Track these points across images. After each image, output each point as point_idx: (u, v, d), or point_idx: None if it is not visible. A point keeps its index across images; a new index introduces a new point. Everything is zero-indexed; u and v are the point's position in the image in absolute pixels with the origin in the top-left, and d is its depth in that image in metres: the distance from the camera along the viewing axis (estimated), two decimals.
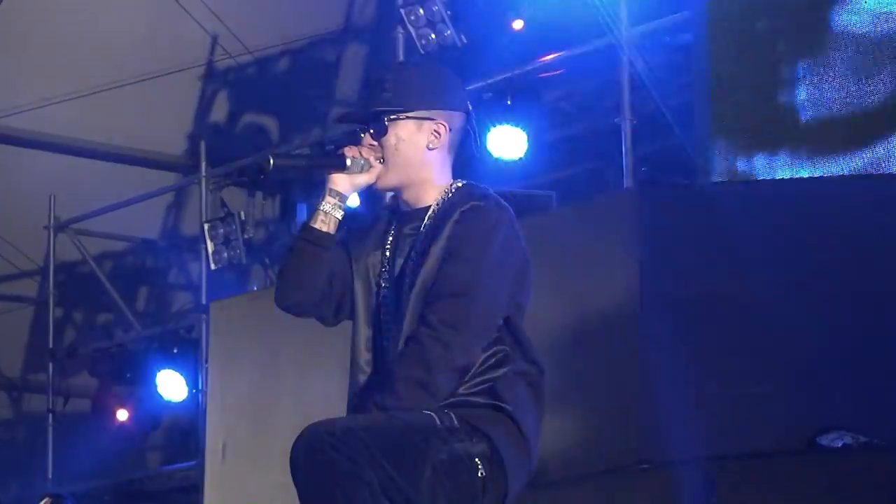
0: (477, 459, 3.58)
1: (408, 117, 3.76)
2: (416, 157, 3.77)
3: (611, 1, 7.81)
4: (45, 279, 11.26)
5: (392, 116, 3.75)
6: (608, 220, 7.03)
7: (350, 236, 3.84)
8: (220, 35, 10.77)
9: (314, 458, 3.45)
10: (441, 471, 3.52)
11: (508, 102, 8.56)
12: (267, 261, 10.35)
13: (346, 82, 10.79)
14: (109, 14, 10.40)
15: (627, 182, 7.73)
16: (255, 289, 10.03)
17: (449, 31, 8.71)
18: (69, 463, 10.60)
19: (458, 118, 3.81)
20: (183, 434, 10.40)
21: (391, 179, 3.78)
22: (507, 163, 8.61)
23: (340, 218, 3.75)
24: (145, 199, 10.84)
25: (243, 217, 9.78)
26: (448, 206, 3.73)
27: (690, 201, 7.05)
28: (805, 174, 7.05)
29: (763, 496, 6.06)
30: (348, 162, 3.74)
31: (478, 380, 3.64)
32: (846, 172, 6.94)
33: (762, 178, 7.13)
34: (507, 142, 8.55)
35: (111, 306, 11.30)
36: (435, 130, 3.77)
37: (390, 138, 3.76)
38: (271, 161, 3.72)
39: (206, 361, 9.34)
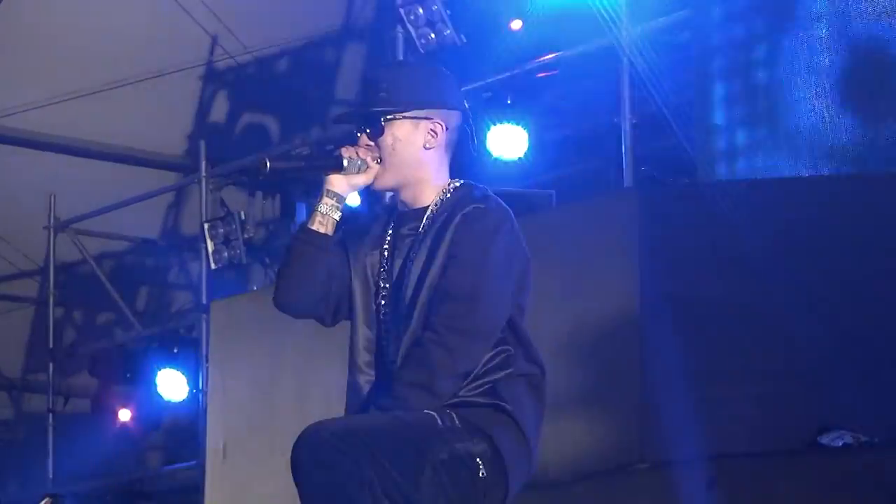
0: (478, 459, 3.58)
1: (404, 117, 3.75)
2: (413, 156, 3.76)
3: (611, 0, 7.81)
4: (45, 279, 11.27)
5: (388, 116, 3.74)
6: (608, 220, 7.02)
7: (348, 236, 3.83)
8: (220, 35, 10.77)
9: (315, 458, 3.45)
10: (442, 471, 3.53)
11: (508, 102, 8.57)
12: (267, 260, 10.35)
13: (346, 82, 10.79)
14: (109, 14, 10.40)
15: (627, 181, 7.74)
16: (256, 288, 10.03)
17: (448, 31, 8.71)
18: (69, 463, 10.60)
19: (454, 117, 3.80)
20: (183, 434, 10.39)
21: (388, 180, 3.77)
22: (506, 162, 8.61)
23: (338, 219, 3.75)
24: (145, 199, 10.85)
25: (243, 217, 9.78)
26: (447, 207, 3.73)
27: (690, 200, 7.04)
28: (806, 173, 7.05)
29: (764, 496, 6.05)
30: (345, 163, 3.73)
31: (479, 381, 3.64)
32: (846, 171, 6.94)
33: (762, 177, 7.12)
34: (508, 141, 8.55)
35: (111, 306, 11.30)
36: (431, 129, 3.76)
37: (387, 138, 3.75)
38: (268, 164, 3.72)
39: (207, 361, 9.34)
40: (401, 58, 8.78)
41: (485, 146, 8.45)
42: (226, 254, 9.76)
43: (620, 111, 7.82)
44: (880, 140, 6.97)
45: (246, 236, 9.73)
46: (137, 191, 10.76)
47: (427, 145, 3.76)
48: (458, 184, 3.79)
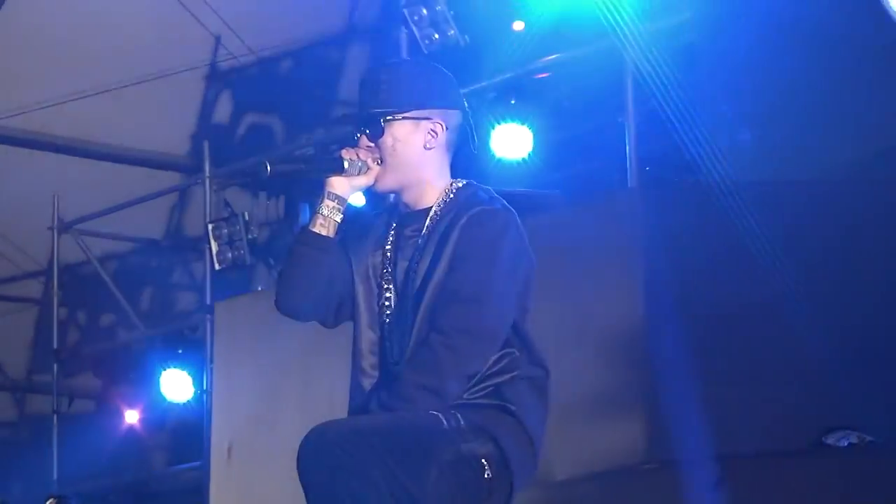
0: (483, 460, 3.59)
1: (404, 117, 3.75)
2: (413, 157, 3.76)
3: (615, 1, 7.81)
4: (49, 280, 11.27)
5: (388, 117, 3.74)
6: (612, 220, 7.03)
7: (349, 236, 3.83)
8: (224, 35, 10.77)
9: (321, 458, 3.45)
10: (447, 471, 3.53)
11: (512, 102, 8.56)
12: (271, 261, 10.34)
13: (350, 82, 10.77)
14: (113, 15, 10.39)
15: (631, 181, 7.73)
16: (260, 289, 10.02)
17: (452, 31, 8.70)
18: (74, 464, 10.60)
19: (454, 116, 3.80)
20: (188, 435, 10.39)
21: (390, 181, 3.77)
22: (510, 162, 8.60)
23: (339, 221, 3.74)
24: (149, 200, 10.84)
25: (247, 217, 9.77)
26: (451, 208, 3.72)
27: (694, 201, 7.04)
28: (811, 174, 7.05)
29: (769, 496, 6.06)
30: (346, 164, 3.73)
31: (484, 384, 3.64)
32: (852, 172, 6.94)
33: (767, 177, 7.12)
34: (512, 141, 8.54)
35: (115, 307, 11.29)
36: (432, 130, 3.76)
37: (387, 139, 3.75)
38: (268, 167, 3.71)
39: (211, 362, 9.35)
40: (408, 58, 8.79)
41: (488, 146, 8.45)
42: (230, 254, 9.75)
43: (624, 111, 7.82)
44: None
45: (250, 237, 9.72)
46: (141, 191, 10.75)
47: (427, 145, 3.76)
48: (460, 184, 3.79)
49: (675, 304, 6.60)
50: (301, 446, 3.49)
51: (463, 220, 3.67)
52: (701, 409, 6.24)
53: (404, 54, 8.89)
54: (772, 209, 6.74)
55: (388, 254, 3.78)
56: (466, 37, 8.72)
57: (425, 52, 8.66)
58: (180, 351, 10.32)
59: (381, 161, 3.75)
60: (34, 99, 10.61)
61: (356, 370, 3.77)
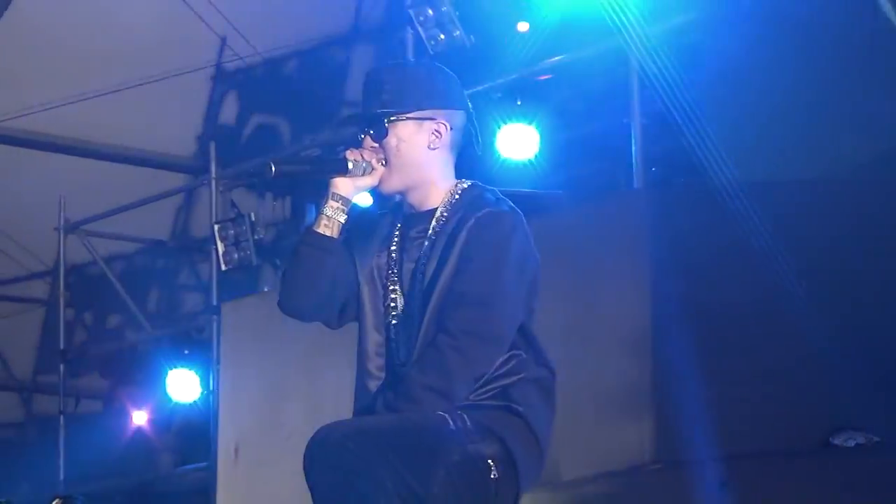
0: (490, 461, 3.58)
1: (407, 118, 3.73)
2: (417, 157, 3.75)
3: (620, 2, 7.80)
4: (55, 281, 11.28)
5: (391, 118, 3.73)
6: (618, 221, 7.03)
7: (353, 238, 3.82)
8: (229, 36, 10.77)
9: (328, 459, 3.45)
10: (454, 472, 3.53)
11: (518, 103, 8.56)
12: (277, 262, 10.35)
13: (356, 83, 10.76)
14: (119, 16, 10.41)
15: (637, 182, 7.73)
16: (266, 290, 10.03)
17: (458, 32, 8.70)
18: (80, 464, 10.61)
19: (458, 117, 3.79)
20: (195, 435, 10.40)
21: (395, 182, 3.76)
22: (516, 163, 8.60)
23: (343, 221, 3.73)
24: (155, 201, 10.86)
25: (254, 218, 9.78)
26: (457, 209, 3.71)
27: (700, 201, 7.04)
28: (817, 174, 7.05)
29: (776, 496, 6.05)
30: (350, 165, 3.72)
31: (491, 386, 3.64)
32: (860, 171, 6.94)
33: (773, 178, 7.12)
34: (519, 141, 8.54)
35: (121, 307, 11.31)
36: (436, 130, 3.75)
37: (391, 140, 3.74)
38: (272, 167, 3.70)
39: (218, 362, 9.35)
40: (410, 59, 8.79)
41: (494, 147, 8.44)
42: (236, 255, 9.76)
43: (630, 111, 7.82)
44: None
45: (256, 238, 9.72)
46: (147, 192, 10.77)
47: (431, 146, 3.75)
48: (465, 185, 3.78)
49: (681, 305, 6.60)
50: (308, 447, 3.49)
51: (470, 223, 3.66)
52: (708, 410, 6.24)
53: (410, 55, 8.90)
54: (777, 209, 6.74)
55: (394, 255, 3.77)
56: (472, 37, 8.72)
57: (431, 52, 8.67)
58: (187, 352, 10.33)
59: (386, 162, 3.74)
60: (40, 100, 10.62)
61: (361, 372, 3.76)
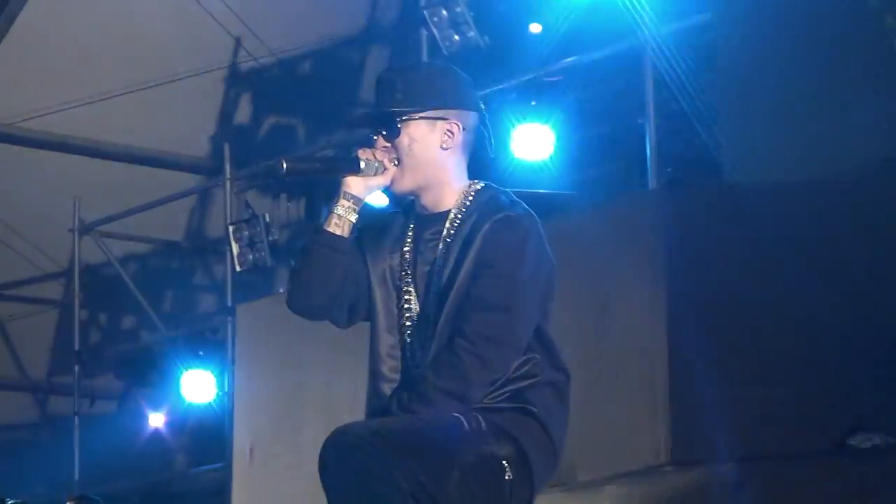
0: (504, 462, 3.58)
1: (420, 117, 3.72)
2: (430, 157, 3.73)
3: (635, 2, 7.80)
4: (70, 281, 11.30)
5: (404, 117, 3.72)
6: (633, 221, 7.02)
7: (365, 238, 3.80)
8: (243, 37, 10.78)
9: (343, 460, 3.45)
10: (469, 473, 3.52)
11: (533, 104, 8.55)
12: (292, 263, 10.35)
13: (370, 83, 10.74)
14: (132, 16, 10.42)
15: (652, 183, 7.72)
16: (281, 291, 10.03)
17: (472, 33, 8.70)
18: (95, 465, 10.63)
19: (471, 117, 3.77)
20: (210, 436, 10.41)
21: (407, 182, 3.74)
22: (531, 163, 8.60)
23: (354, 221, 3.71)
24: (170, 202, 10.87)
25: (268, 219, 9.78)
26: (471, 211, 3.70)
27: (715, 202, 7.03)
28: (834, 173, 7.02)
29: (792, 497, 6.04)
30: (362, 164, 3.71)
31: (506, 388, 3.63)
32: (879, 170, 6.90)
33: (789, 178, 7.09)
34: (534, 142, 8.53)
35: (136, 308, 11.32)
36: (448, 130, 3.73)
37: (403, 139, 3.72)
38: (284, 165, 3.69)
39: (233, 363, 9.36)
40: (424, 59, 8.79)
41: (508, 148, 8.44)
42: (250, 256, 9.76)
43: (645, 112, 7.81)
44: None
45: (271, 239, 9.73)
46: (162, 193, 10.78)
47: (444, 146, 3.73)
48: (479, 186, 3.77)
49: (696, 306, 6.58)
50: (323, 448, 3.49)
51: (486, 226, 3.64)
52: (724, 411, 6.23)
53: (424, 56, 8.89)
54: (793, 209, 6.72)
55: (407, 256, 3.76)
56: (486, 38, 8.72)
57: (445, 53, 8.67)
58: (201, 353, 10.34)
59: (398, 162, 3.73)
60: (55, 101, 10.64)
61: (374, 374, 3.74)
